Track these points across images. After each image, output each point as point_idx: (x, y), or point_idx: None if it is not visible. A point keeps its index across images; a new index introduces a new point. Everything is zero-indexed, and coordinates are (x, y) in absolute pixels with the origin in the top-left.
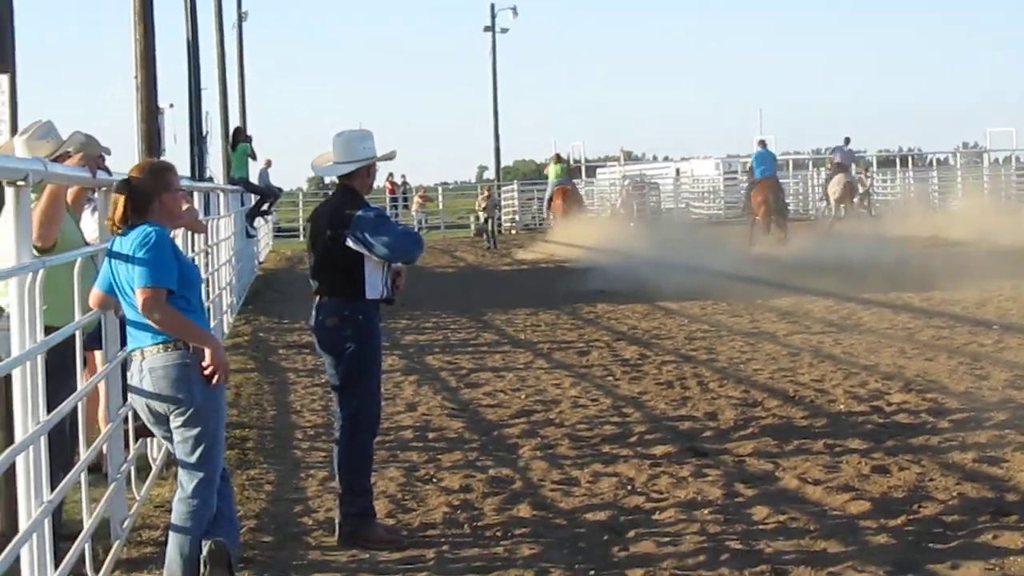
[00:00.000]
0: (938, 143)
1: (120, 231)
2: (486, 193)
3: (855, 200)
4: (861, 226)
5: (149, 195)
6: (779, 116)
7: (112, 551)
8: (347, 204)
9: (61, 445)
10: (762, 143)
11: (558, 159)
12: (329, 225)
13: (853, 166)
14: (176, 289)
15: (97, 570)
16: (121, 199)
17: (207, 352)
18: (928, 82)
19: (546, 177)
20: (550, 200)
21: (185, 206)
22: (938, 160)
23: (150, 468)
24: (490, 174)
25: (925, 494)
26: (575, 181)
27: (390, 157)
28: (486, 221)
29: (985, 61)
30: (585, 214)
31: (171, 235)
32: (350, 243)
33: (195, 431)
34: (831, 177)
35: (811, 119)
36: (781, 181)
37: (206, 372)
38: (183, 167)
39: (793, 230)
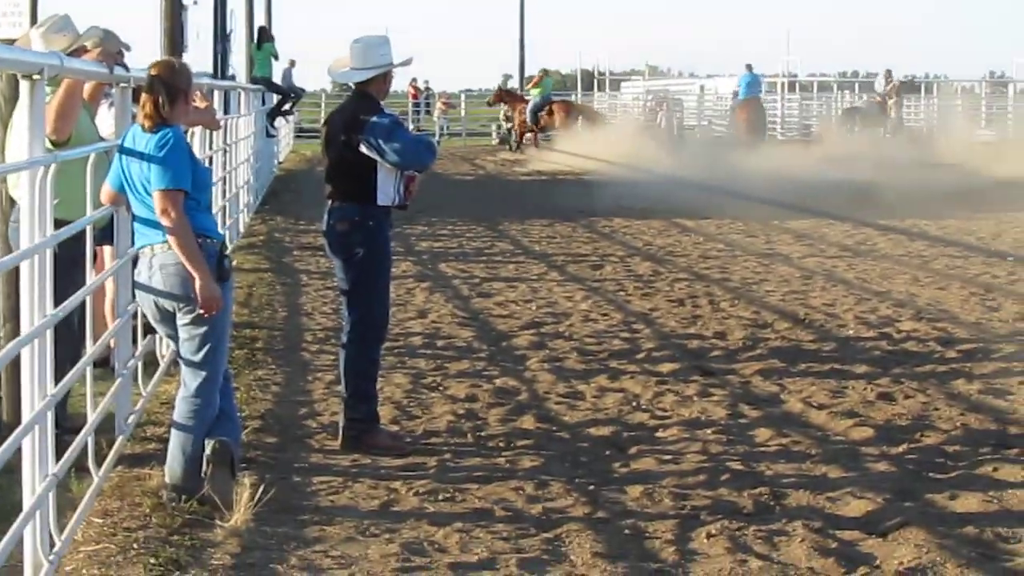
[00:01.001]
0: (964, 70)
1: (153, 129)
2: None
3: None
4: (883, 151)
5: (181, 92)
6: (807, 37)
7: (115, 446)
8: (362, 110)
9: (69, 339)
10: (748, 67)
11: (546, 73)
12: (343, 130)
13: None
14: (190, 191)
15: (99, 464)
16: (151, 97)
17: (195, 283)
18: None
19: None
20: (540, 113)
21: (204, 104)
22: (963, 88)
23: (158, 365)
24: (514, 83)
25: (928, 423)
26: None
27: (407, 63)
28: (509, 131)
29: None
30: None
31: (187, 134)
32: (363, 149)
33: (201, 329)
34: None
35: (838, 40)
36: (806, 103)
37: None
38: (205, 65)
39: (814, 149)
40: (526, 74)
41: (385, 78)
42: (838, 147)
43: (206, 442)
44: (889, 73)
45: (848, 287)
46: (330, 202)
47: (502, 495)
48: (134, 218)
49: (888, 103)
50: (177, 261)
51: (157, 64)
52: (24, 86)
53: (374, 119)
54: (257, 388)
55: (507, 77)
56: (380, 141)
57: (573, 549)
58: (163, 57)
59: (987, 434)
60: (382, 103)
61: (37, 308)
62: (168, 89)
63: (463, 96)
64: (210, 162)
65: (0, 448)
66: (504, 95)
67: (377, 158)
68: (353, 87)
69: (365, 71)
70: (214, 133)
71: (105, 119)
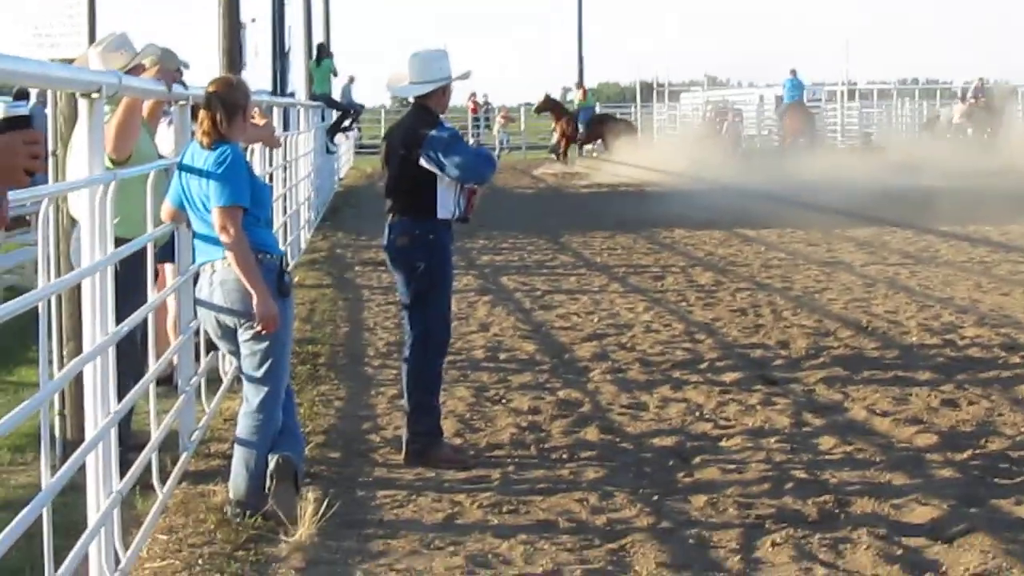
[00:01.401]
0: None
1: (211, 146)
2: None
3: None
4: (945, 157)
5: (239, 108)
6: (866, 46)
7: (179, 463)
8: (421, 124)
9: (131, 356)
10: (792, 72)
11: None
12: (403, 144)
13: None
14: (249, 207)
15: (164, 481)
16: (209, 114)
17: (253, 300)
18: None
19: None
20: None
21: (262, 121)
22: None
23: (221, 381)
24: (574, 95)
25: (993, 429)
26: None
27: (465, 76)
28: (558, 143)
29: None
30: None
31: (247, 150)
32: (423, 162)
33: (263, 345)
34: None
35: (897, 48)
36: (866, 111)
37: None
38: (264, 82)
39: (875, 157)
40: (586, 86)
41: (444, 92)
42: (899, 154)
43: (269, 458)
44: (982, 82)
45: (910, 294)
46: (391, 216)
47: (566, 506)
48: (194, 235)
49: (973, 109)
50: (237, 277)
51: (215, 81)
52: (83, 104)
53: (433, 133)
54: (320, 403)
55: (567, 90)
56: (439, 154)
57: (638, 560)
58: (221, 74)
59: None
60: (442, 117)
61: (99, 326)
62: (226, 106)
63: (523, 109)
64: (270, 179)
65: (65, 465)
66: (549, 104)
67: (437, 171)
68: (412, 101)
69: (424, 85)
70: (274, 150)
71: (165, 137)
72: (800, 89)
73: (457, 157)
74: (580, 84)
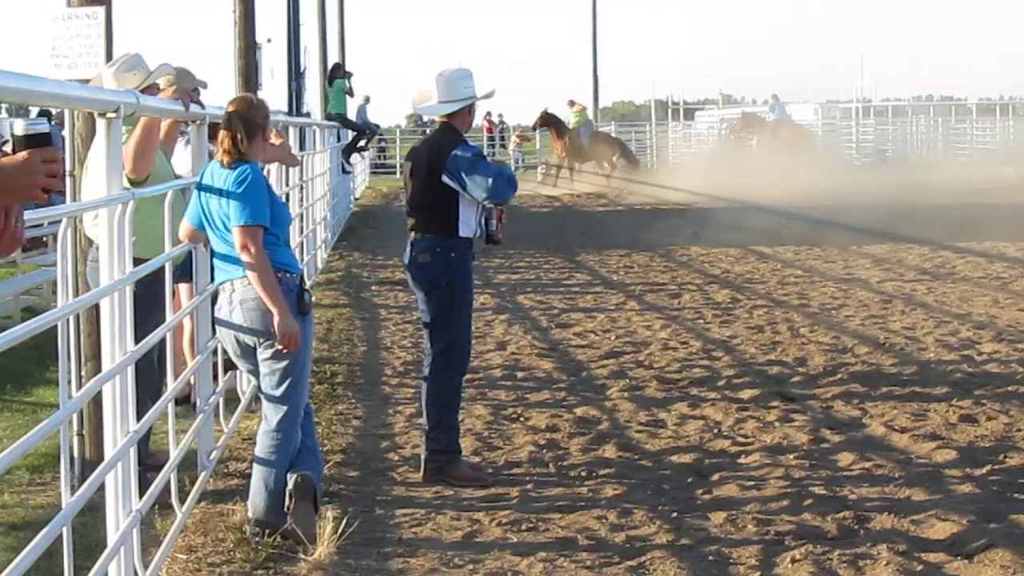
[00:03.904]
0: None
1: (232, 165)
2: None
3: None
4: (958, 172)
5: (259, 128)
6: (880, 61)
7: (198, 482)
8: (446, 142)
9: (149, 376)
10: (775, 96)
11: (571, 104)
12: (427, 162)
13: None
14: (269, 226)
15: (182, 500)
16: (229, 133)
17: (274, 319)
18: None
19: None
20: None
21: (279, 140)
22: None
23: (239, 400)
24: (588, 114)
25: (1012, 444)
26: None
27: (490, 96)
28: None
29: None
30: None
31: (264, 170)
32: (445, 180)
33: (283, 364)
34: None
35: (912, 64)
36: (881, 128)
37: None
38: (280, 102)
39: (890, 173)
40: (600, 106)
41: (470, 111)
42: (915, 170)
43: (288, 476)
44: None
45: (928, 310)
46: (412, 234)
47: (585, 524)
48: (213, 254)
49: None
50: (257, 296)
51: (235, 100)
52: (100, 124)
53: (457, 152)
54: (338, 422)
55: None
56: (462, 173)
57: None
58: (240, 94)
59: None
60: (465, 136)
61: (118, 345)
62: (246, 125)
63: (538, 129)
64: (287, 199)
65: (84, 485)
66: (549, 120)
67: (459, 190)
68: (437, 120)
69: (451, 104)
70: (291, 169)
71: (182, 157)
72: (783, 108)
73: (479, 176)
74: (572, 101)
